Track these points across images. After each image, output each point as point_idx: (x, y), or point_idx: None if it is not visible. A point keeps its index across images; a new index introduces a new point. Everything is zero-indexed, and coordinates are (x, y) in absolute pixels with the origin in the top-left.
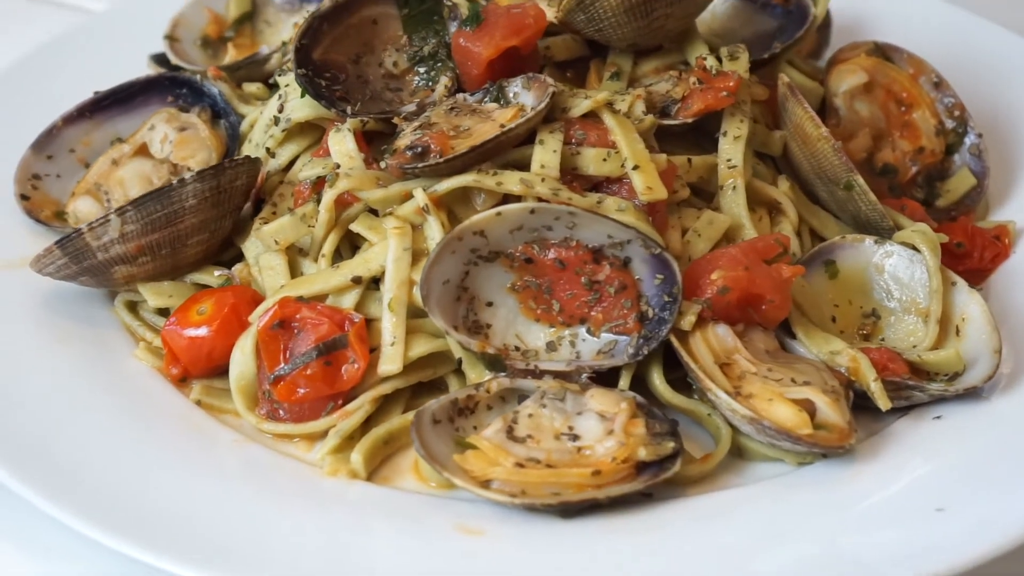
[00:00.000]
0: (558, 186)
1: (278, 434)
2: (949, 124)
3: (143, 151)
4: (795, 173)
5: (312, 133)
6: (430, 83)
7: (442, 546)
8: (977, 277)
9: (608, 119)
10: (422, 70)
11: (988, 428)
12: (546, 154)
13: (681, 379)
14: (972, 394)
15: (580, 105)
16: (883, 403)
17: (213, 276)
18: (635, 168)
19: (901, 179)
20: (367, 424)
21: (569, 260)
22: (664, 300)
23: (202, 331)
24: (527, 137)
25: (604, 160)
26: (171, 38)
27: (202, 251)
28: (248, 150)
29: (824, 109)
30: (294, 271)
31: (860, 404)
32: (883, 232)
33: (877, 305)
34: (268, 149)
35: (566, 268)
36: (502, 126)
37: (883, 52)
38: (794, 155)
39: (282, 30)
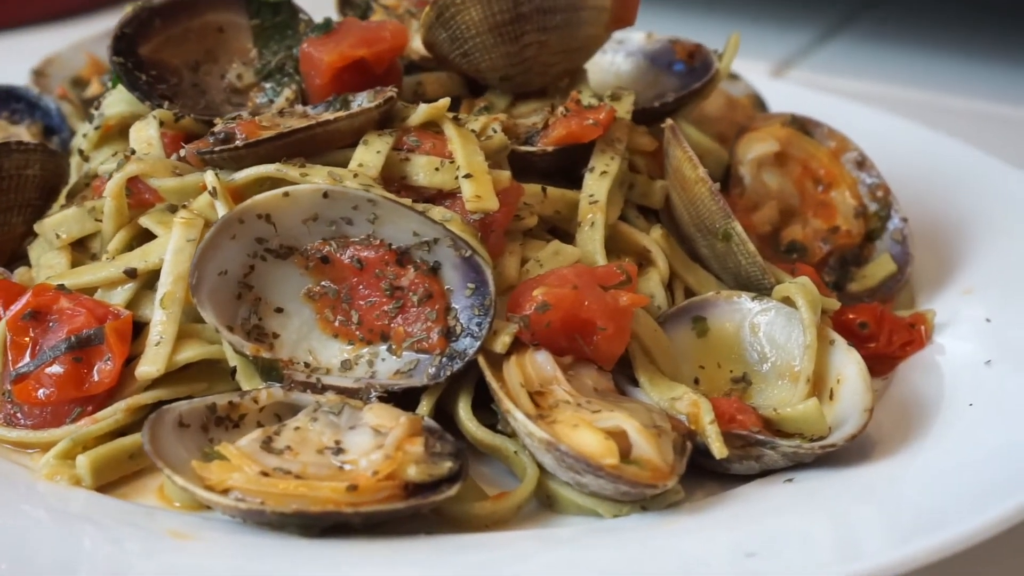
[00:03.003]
0: (372, 184)
1: (11, 442)
2: (872, 207)
3: None
4: (677, 229)
5: None
6: (275, 99)
7: (135, 547)
8: (884, 365)
9: (448, 129)
10: (268, 86)
11: (836, 492)
12: (368, 154)
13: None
14: (832, 455)
15: (419, 112)
16: (717, 448)
17: None
18: (467, 176)
19: (810, 259)
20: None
21: (369, 260)
22: (474, 315)
23: None
24: (355, 143)
25: (436, 170)
26: (38, 72)
27: None
28: (73, 164)
29: (728, 180)
30: None
31: (708, 468)
32: (764, 292)
33: (749, 370)
34: (81, 152)
35: (365, 269)
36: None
37: (801, 125)
38: (675, 206)
39: None
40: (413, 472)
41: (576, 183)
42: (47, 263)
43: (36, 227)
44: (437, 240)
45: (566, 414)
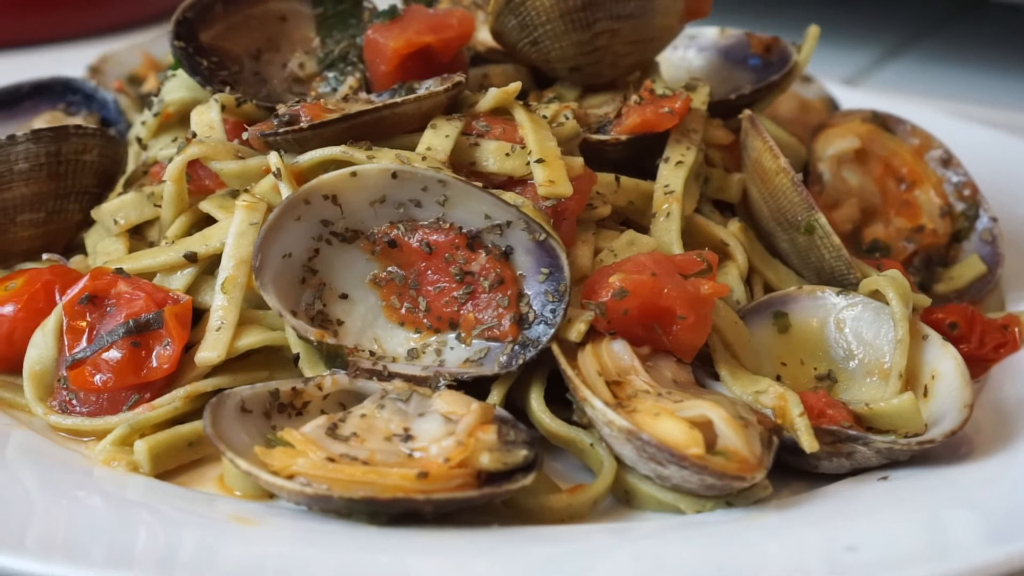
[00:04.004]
0: (441, 167)
1: (66, 429)
2: (958, 206)
3: None
4: (755, 224)
5: None
6: (338, 88)
7: (196, 534)
8: (977, 368)
9: (519, 114)
10: (331, 75)
11: (934, 491)
12: (436, 138)
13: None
14: (929, 452)
15: (488, 97)
16: (807, 442)
17: (42, 260)
18: (539, 161)
19: (894, 259)
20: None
21: (438, 244)
22: (548, 301)
23: (6, 309)
24: (422, 127)
25: (507, 155)
26: (94, 69)
27: (37, 235)
28: (131, 154)
29: (807, 176)
30: None
31: (792, 467)
32: (850, 286)
33: (834, 367)
34: (139, 140)
35: (434, 254)
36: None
37: (882, 122)
38: (753, 200)
39: None
40: (486, 460)
41: (648, 177)
42: (104, 250)
43: (93, 213)
44: (510, 223)
45: (646, 403)
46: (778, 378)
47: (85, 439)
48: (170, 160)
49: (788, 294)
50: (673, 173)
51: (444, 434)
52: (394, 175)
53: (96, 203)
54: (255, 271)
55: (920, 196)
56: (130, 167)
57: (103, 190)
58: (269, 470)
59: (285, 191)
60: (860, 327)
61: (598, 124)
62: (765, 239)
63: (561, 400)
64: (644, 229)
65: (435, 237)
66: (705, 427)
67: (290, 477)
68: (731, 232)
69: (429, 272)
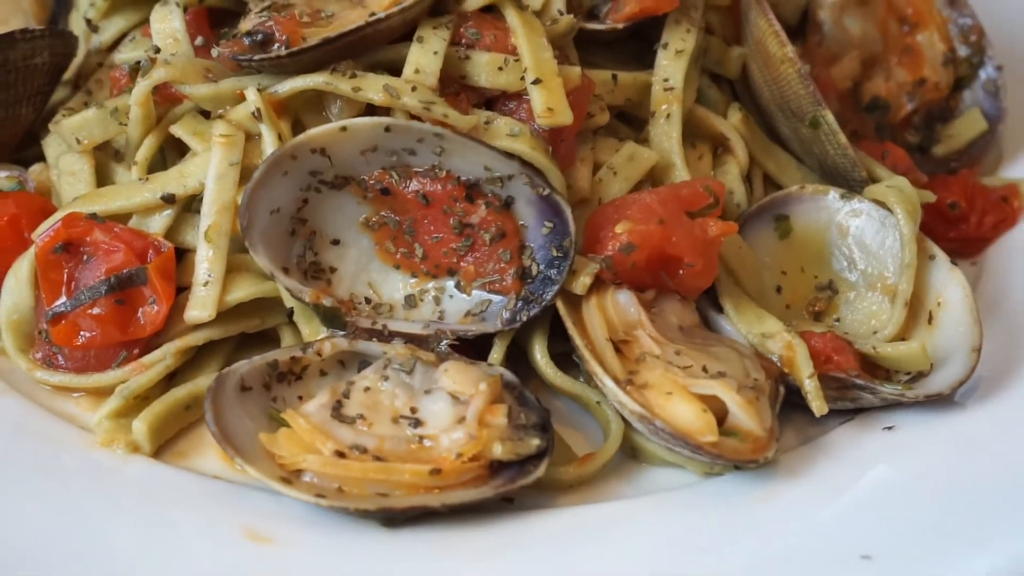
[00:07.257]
0: (432, 98)
1: (54, 385)
2: (962, 51)
3: None
4: (754, 102)
5: (148, 5)
6: None
7: (211, 554)
8: (973, 247)
9: (512, 16)
10: None
11: (950, 450)
12: (424, 56)
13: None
14: (936, 401)
15: None
16: (818, 406)
17: (1, 178)
18: (536, 82)
19: (893, 118)
20: (171, 382)
21: (436, 195)
22: (552, 255)
23: None
24: (406, 33)
25: (500, 69)
26: None
27: None
28: (75, 22)
29: (805, 23)
30: (105, 180)
31: (795, 402)
32: (853, 184)
33: (835, 276)
34: (89, 21)
35: (431, 205)
36: (373, 14)
37: None
38: (754, 79)
39: None
40: (499, 451)
41: (643, 49)
42: (68, 168)
43: (52, 127)
44: (511, 176)
45: (655, 374)
46: (778, 289)
47: (73, 395)
48: (130, 67)
49: (790, 194)
50: (673, 64)
51: (453, 421)
52: (387, 129)
53: (49, 100)
54: (243, 231)
55: (923, 40)
56: (81, 48)
57: (55, 85)
58: (278, 473)
59: (266, 133)
60: (863, 235)
61: (591, 4)
62: (765, 118)
63: (560, 335)
64: (641, 123)
65: (431, 187)
66: (716, 400)
67: (298, 472)
68: (732, 125)
69: (426, 221)
